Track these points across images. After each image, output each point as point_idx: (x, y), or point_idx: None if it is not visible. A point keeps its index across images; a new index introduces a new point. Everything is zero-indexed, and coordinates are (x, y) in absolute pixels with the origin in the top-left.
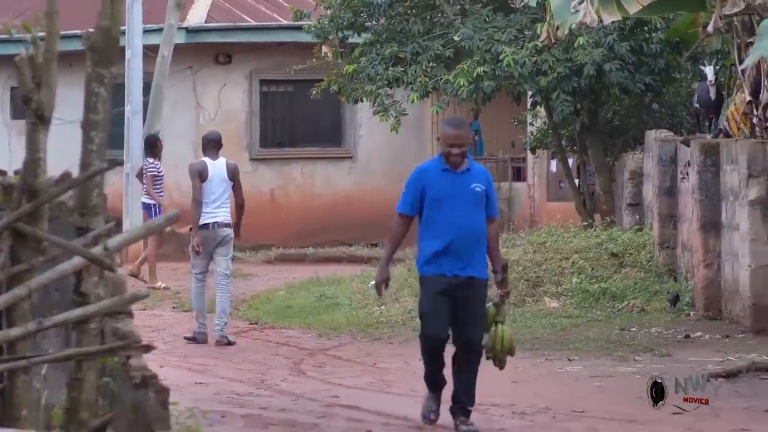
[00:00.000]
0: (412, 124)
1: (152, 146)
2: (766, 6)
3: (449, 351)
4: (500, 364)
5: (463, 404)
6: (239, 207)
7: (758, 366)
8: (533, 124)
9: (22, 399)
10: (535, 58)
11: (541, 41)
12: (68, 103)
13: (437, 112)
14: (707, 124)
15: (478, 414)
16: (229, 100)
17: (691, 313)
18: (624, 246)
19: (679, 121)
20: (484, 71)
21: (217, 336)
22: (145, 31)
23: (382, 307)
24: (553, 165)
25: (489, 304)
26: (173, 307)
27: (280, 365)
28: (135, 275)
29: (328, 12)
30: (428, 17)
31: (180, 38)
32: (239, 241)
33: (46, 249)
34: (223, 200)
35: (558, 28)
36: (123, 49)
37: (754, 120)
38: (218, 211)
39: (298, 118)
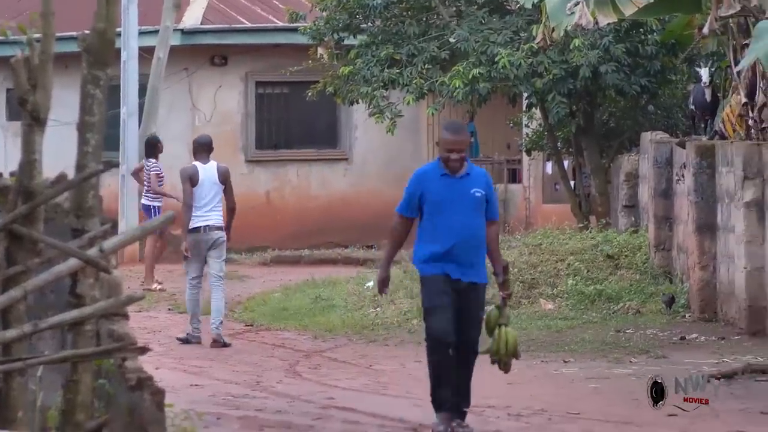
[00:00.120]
0: (408, 126)
1: (153, 147)
2: (762, 8)
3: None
4: (505, 367)
5: (458, 405)
6: (230, 210)
7: (754, 368)
8: (529, 126)
9: (17, 401)
10: (530, 60)
11: (537, 43)
12: (64, 104)
13: (433, 113)
14: (703, 125)
15: (474, 416)
16: (224, 102)
17: (687, 315)
18: (619, 248)
19: (675, 122)
20: (479, 73)
21: (213, 335)
22: (141, 33)
23: (378, 309)
24: (549, 167)
25: (491, 307)
26: (169, 309)
27: (276, 367)
28: (151, 283)
29: (324, 14)
30: (424, 19)
31: (176, 40)
32: (229, 244)
33: (42, 251)
34: (214, 204)
35: (554, 29)
36: (119, 51)
37: (750, 122)
38: (210, 215)
39: (294, 120)
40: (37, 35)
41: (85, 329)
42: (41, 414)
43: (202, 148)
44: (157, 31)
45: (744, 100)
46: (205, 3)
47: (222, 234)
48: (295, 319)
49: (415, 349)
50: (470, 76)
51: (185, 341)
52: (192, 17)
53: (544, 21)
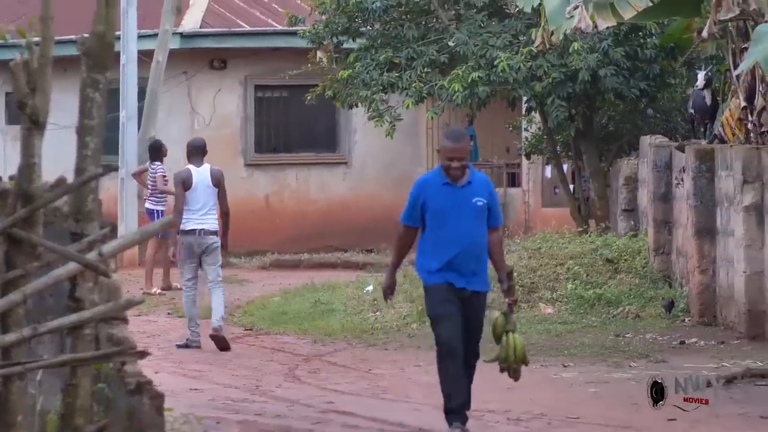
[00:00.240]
0: (407, 130)
1: (157, 151)
2: (761, 11)
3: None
4: (515, 375)
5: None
6: (224, 215)
7: (753, 372)
8: (528, 130)
9: (17, 405)
10: (529, 64)
11: (536, 46)
12: (63, 108)
13: (432, 117)
14: (702, 129)
15: (474, 420)
16: (223, 106)
17: (686, 319)
18: (619, 252)
19: (674, 126)
20: (478, 76)
21: (215, 325)
22: (140, 37)
23: (378, 313)
24: (548, 170)
25: (497, 314)
26: (168, 313)
27: (275, 371)
28: (167, 288)
29: (323, 17)
30: (423, 22)
31: (175, 43)
32: (228, 253)
33: (41, 254)
34: (209, 207)
35: (553, 33)
36: (118, 55)
37: (749, 126)
38: (205, 218)
39: (293, 124)
40: (36, 39)
41: (85, 333)
42: (40, 418)
43: (196, 151)
44: (156, 35)
45: (743, 103)
46: (205, 6)
47: (216, 239)
48: (295, 323)
49: (414, 354)
50: (469, 80)
51: (185, 347)
52: (191, 21)
53: (543, 24)
